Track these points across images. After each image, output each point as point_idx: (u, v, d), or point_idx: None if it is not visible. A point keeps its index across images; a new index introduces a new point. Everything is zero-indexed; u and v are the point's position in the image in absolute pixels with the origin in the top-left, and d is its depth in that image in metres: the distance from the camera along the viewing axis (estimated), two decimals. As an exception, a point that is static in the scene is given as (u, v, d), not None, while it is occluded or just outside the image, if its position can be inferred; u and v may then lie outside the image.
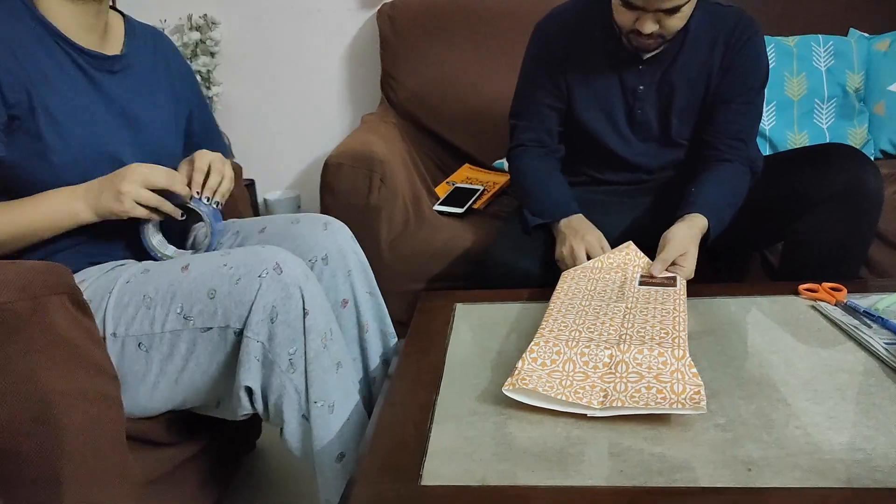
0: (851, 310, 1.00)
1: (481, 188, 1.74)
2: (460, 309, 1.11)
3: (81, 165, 0.94)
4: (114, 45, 1.04)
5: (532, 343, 0.86)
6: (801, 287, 1.08)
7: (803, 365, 0.88)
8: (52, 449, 0.77)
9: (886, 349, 0.88)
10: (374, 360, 1.12)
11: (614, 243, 1.18)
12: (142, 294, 0.91)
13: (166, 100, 1.11)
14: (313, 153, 2.27)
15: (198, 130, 1.21)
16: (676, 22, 1.14)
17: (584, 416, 0.77)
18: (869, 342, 0.91)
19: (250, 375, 0.89)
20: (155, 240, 1.02)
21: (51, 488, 0.75)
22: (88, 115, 0.96)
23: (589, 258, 1.14)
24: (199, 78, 2.08)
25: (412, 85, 1.95)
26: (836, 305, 1.02)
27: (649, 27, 1.13)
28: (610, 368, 0.81)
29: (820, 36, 1.79)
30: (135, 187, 0.92)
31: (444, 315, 1.09)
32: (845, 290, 1.05)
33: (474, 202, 1.68)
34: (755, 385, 0.84)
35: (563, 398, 0.78)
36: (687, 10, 1.14)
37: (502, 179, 1.79)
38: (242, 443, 1.31)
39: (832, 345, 0.93)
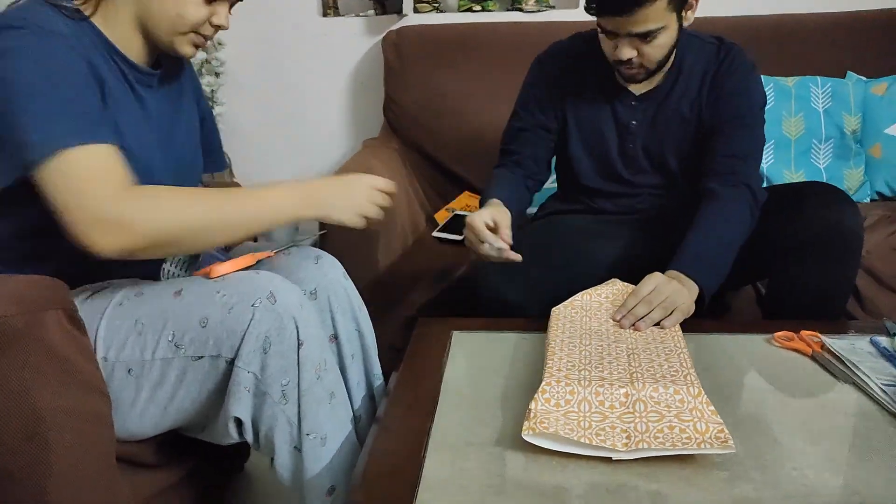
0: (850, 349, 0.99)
1: (480, 216, 1.75)
2: (457, 336, 1.10)
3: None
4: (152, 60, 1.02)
5: (543, 384, 0.84)
6: (777, 335, 1.05)
7: (798, 405, 0.88)
8: (41, 468, 0.76)
9: (884, 391, 0.88)
10: (358, 397, 1.08)
11: (610, 269, 1.18)
12: (133, 319, 0.90)
13: (190, 113, 1.11)
14: (314, 175, 2.28)
15: (206, 140, 1.19)
16: (655, 51, 1.15)
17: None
18: (866, 383, 0.91)
19: (240, 406, 0.87)
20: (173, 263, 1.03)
21: (37, 508, 0.74)
22: (136, 129, 0.95)
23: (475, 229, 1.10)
24: (203, 97, 2.10)
25: (414, 111, 1.97)
26: (812, 356, 0.99)
27: (626, 53, 1.14)
28: (627, 407, 0.80)
29: (818, 78, 1.82)
30: (371, 206, 1.01)
31: (441, 342, 1.08)
32: (820, 344, 1.01)
33: (473, 230, 1.68)
34: (750, 424, 0.83)
35: (586, 441, 0.76)
36: (664, 40, 1.15)
37: (501, 208, 1.80)
38: (230, 466, 1.30)
39: (828, 385, 0.93)
